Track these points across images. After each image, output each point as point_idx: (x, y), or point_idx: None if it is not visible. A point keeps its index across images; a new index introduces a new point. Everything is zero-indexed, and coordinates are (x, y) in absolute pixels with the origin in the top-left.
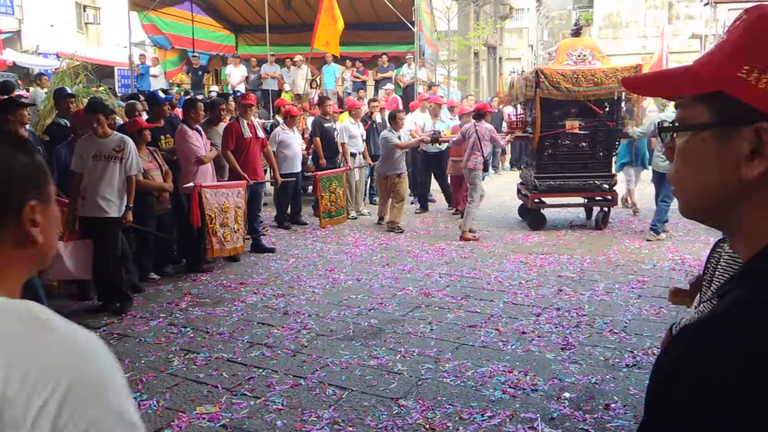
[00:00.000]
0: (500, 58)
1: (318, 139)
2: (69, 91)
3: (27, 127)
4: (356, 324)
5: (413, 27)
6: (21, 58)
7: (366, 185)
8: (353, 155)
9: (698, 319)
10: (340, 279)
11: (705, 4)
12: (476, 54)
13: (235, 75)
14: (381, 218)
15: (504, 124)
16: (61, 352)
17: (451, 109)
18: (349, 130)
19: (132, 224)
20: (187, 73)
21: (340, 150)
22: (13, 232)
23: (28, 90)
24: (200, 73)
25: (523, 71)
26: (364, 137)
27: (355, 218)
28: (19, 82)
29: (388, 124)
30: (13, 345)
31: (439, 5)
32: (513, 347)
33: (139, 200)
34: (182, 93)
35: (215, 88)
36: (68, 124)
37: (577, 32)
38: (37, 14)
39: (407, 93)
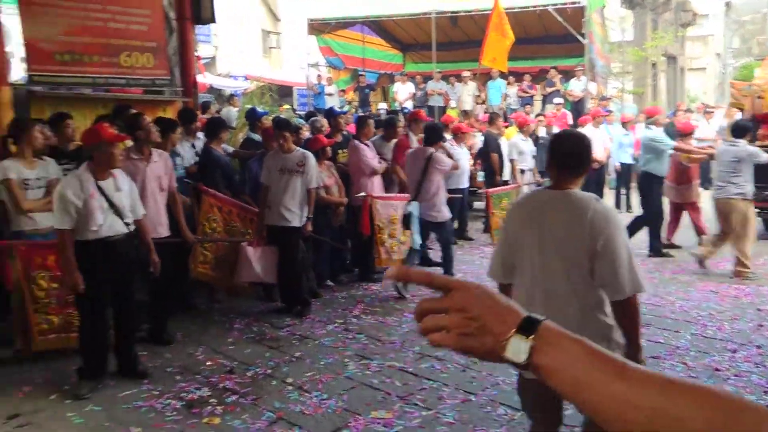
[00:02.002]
0: (681, 69)
1: (495, 155)
2: (261, 111)
3: (223, 145)
4: None
5: (584, 39)
6: (216, 81)
7: None
8: (522, 172)
9: None
10: None
11: None
12: (654, 65)
13: (403, 92)
14: (703, 259)
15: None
16: (606, 208)
17: (624, 124)
18: (518, 147)
19: (311, 234)
20: (355, 91)
21: (507, 166)
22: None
23: (220, 109)
24: (366, 90)
25: None
26: (534, 153)
27: None
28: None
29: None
30: (590, 207)
31: (613, 15)
32: None
33: (317, 212)
34: (353, 110)
35: (383, 105)
36: (261, 140)
37: None
38: (229, 42)
39: (577, 107)
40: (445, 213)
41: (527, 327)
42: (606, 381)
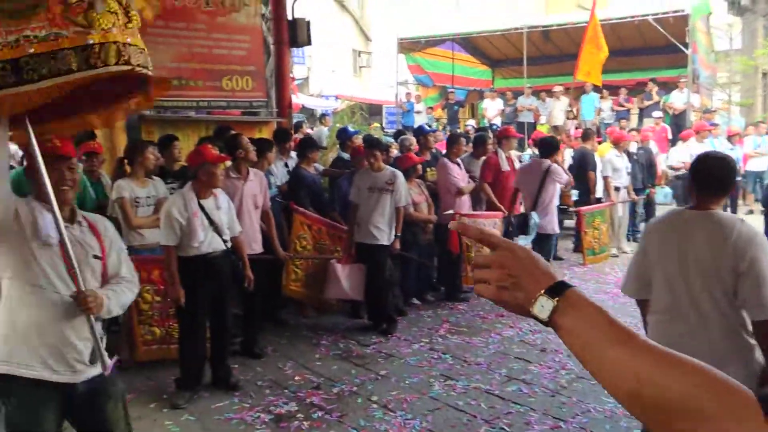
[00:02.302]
0: None
1: (592, 173)
2: (352, 130)
3: (315, 164)
4: None
5: (686, 49)
6: (308, 101)
7: (629, 222)
8: (617, 189)
9: None
10: None
11: None
12: (765, 74)
13: (492, 108)
14: None
15: None
16: (751, 229)
17: (730, 138)
18: (612, 163)
19: (399, 251)
20: (444, 109)
21: (600, 183)
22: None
23: (312, 128)
24: (456, 107)
25: None
26: (629, 170)
27: (617, 256)
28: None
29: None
30: (735, 228)
31: (719, 22)
32: None
33: (405, 229)
34: (440, 127)
35: (471, 122)
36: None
37: None
38: (321, 62)
39: (677, 121)
40: (554, 226)
41: (556, 290)
42: (610, 344)
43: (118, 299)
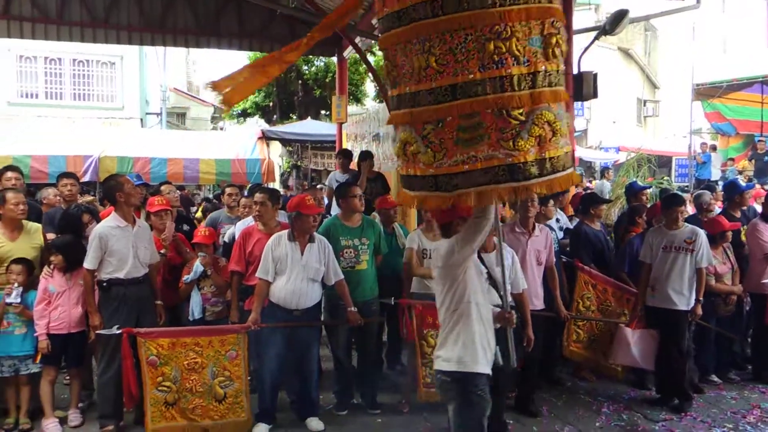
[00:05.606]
0: None
1: None
2: (641, 185)
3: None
4: None
5: None
6: (585, 153)
7: None
8: None
9: None
10: None
11: None
12: None
13: None
14: None
15: None
16: None
17: None
18: None
19: (697, 320)
20: (750, 160)
21: None
22: None
23: (590, 181)
24: (766, 159)
25: None
26: None
27: None
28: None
29: None
30: None
31: None
32: None
33: (704, 297)
34: (745, 180)
35: None
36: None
37: None
38: (602, 113)
39: None
40: None
41: None
42: None
43: None
